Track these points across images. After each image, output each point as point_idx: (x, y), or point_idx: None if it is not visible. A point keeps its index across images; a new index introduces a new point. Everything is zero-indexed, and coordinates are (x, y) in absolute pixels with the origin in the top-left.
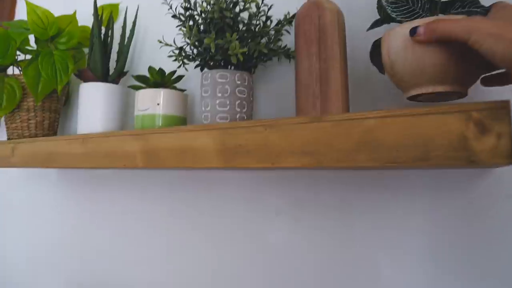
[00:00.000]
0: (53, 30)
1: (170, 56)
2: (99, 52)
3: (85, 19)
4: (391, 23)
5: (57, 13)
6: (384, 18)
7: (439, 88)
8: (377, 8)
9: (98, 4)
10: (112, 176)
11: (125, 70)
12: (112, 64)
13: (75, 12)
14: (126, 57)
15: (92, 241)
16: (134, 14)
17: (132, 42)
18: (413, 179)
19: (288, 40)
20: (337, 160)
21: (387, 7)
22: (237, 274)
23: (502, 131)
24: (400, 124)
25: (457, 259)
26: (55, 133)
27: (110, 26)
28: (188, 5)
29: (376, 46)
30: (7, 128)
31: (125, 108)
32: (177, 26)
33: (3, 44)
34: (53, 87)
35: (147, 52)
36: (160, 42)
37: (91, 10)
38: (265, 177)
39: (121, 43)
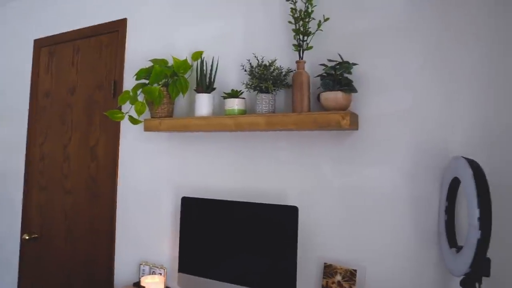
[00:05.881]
0: (182, 68)
1: (246, 88)
2: (204, 80)
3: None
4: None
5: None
6: (320, 87)
7: (334, 111)
8: (320, 80)
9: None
10: (196, 137)
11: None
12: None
13: (186, 59)
14: (213, 80)
15: (189, 168)
16: (216, 60)
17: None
18: (327, 134)
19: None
20: (304, 126)
21: (321, 85)
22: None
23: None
24: (321, 116)
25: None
26: (172, 114)
27: (203, 63)
28: (251, 69)
29: (318, 96)
30: (152, 113)
31: (214, 103)
32: (245, 74)
33: (161, 74)
34: (179, 93)
35: (219, 76)
36: (242, 84)
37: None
38: (281, 133)
39: (211, 73)
